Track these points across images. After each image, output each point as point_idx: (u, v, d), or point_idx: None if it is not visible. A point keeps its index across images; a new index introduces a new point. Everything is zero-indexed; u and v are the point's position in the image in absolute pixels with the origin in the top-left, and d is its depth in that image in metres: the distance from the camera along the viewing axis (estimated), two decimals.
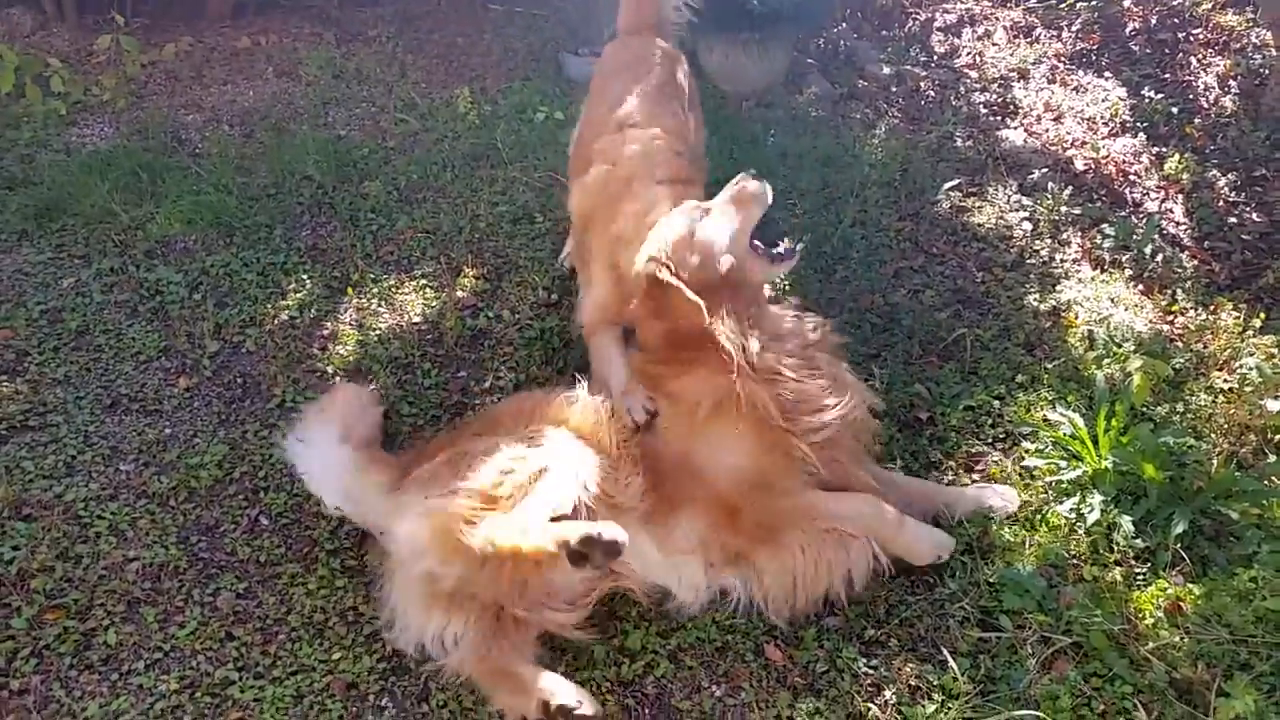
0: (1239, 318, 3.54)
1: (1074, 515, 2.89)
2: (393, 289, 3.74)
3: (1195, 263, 3.92)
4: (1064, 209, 4.16)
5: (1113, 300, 3.71)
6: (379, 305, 3.66)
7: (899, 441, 3.13)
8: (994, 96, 5.06)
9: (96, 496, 2.90)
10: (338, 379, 3.33)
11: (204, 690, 2.42)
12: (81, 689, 2.43)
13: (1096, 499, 2.89)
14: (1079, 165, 4.53)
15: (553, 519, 2.36)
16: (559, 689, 2.31)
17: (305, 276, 3.78)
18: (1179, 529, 2.75)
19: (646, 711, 2.44)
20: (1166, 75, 5.08)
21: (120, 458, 3.04)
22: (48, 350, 3.43)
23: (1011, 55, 5.38)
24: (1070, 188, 4.27)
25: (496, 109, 4.82)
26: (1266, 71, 4.87)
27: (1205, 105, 4.84)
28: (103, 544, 2.76)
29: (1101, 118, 4.84)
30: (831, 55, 5.39)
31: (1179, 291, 3.75)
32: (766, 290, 3.01)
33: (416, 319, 3.59)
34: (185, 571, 2.70)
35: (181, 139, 4.64)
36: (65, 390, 3.27)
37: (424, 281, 3.78)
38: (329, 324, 3.57)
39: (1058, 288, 3.79)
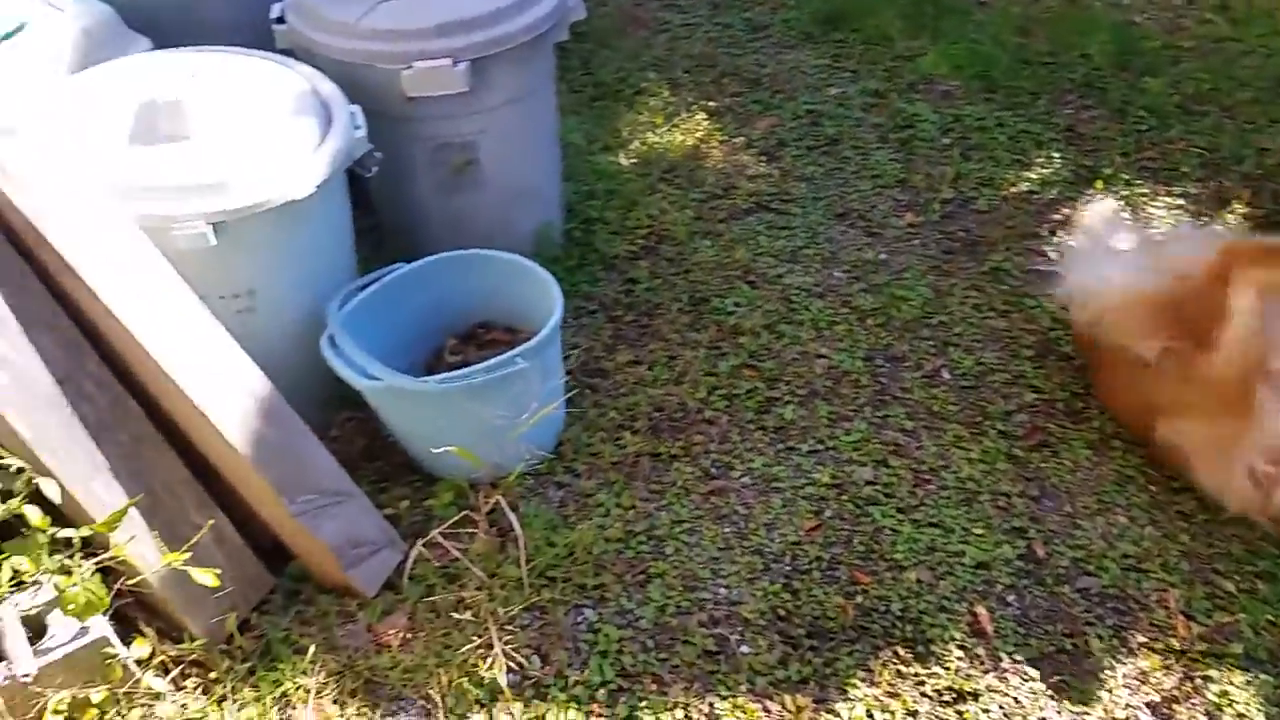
0: None
1: None
2: (1144, 197, 3.38)
3: None
4: None
5: None
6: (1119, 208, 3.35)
7: None
8: None
9: (809, 290, 3.16)
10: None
11: (850, 497, 2.56)
12: (753, 443, 2.72)
13: None
14: None
15: None
16: None
17: (1055, 154, 3.58)
18: None
19: None
20: None
21: (836, 264, 3.25)
22: (803, 147, 3.75)
23: None
24: None
25: None
26: None
27: None
28: (803, 332, 3.01)
29: None
30: None
31: None
32: None
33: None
34: (864, 386, 2.84)
35: None
36: (806, 187, 3.57)
37: (1182, 201, 3.35)
38: (1064, 209, 3.36)
39: None
